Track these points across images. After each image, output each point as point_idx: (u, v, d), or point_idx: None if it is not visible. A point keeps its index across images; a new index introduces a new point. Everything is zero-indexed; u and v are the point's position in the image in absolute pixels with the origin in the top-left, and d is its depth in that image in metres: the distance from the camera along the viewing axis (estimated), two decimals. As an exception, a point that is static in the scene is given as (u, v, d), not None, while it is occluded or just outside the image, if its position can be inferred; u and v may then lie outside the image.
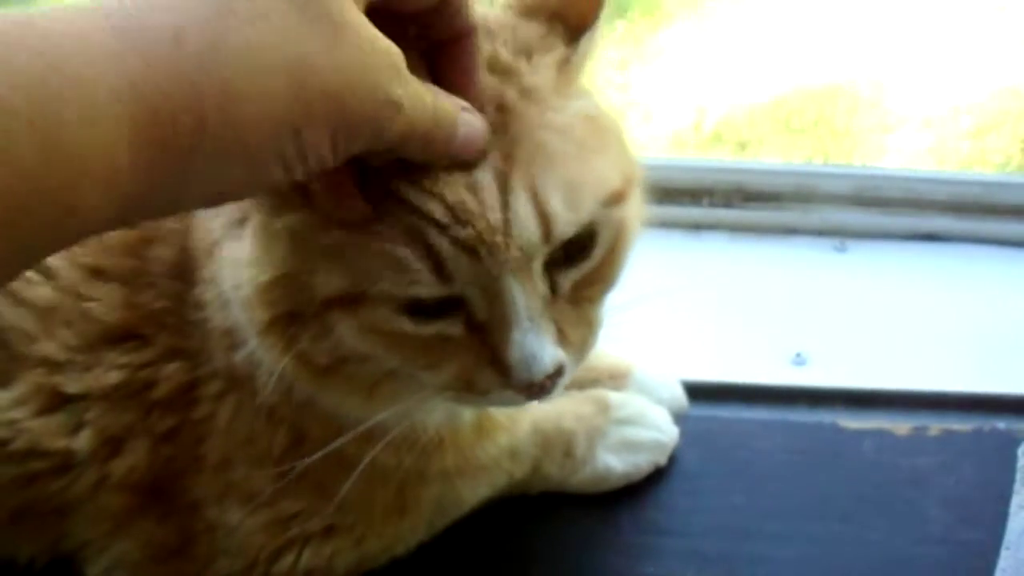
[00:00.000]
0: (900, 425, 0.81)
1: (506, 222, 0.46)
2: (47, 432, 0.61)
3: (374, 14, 0.42)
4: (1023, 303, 0.98)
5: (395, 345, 0.51)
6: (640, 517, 0.74)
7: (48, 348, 0.61)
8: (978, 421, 0.82)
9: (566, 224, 0.48)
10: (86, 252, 0.62)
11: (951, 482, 0.76)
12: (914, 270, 1.03)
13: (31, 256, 0.36)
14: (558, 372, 0.51)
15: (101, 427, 0.61)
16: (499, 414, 0.66)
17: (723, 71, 1.36)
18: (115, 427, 0.61)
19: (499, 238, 0.46)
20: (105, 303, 0.61)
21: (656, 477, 0.76)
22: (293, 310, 0.52)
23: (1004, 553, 0.71)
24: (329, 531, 0.65)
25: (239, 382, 0.61)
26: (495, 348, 0.50)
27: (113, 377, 0.61)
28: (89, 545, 0.64)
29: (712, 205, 1.05)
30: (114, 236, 0.61)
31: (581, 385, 0.76)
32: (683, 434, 0.77)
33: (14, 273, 0.37)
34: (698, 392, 0.82)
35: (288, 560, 0.64)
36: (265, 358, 0.56)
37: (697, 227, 1.04)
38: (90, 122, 0.34)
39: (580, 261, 0.52)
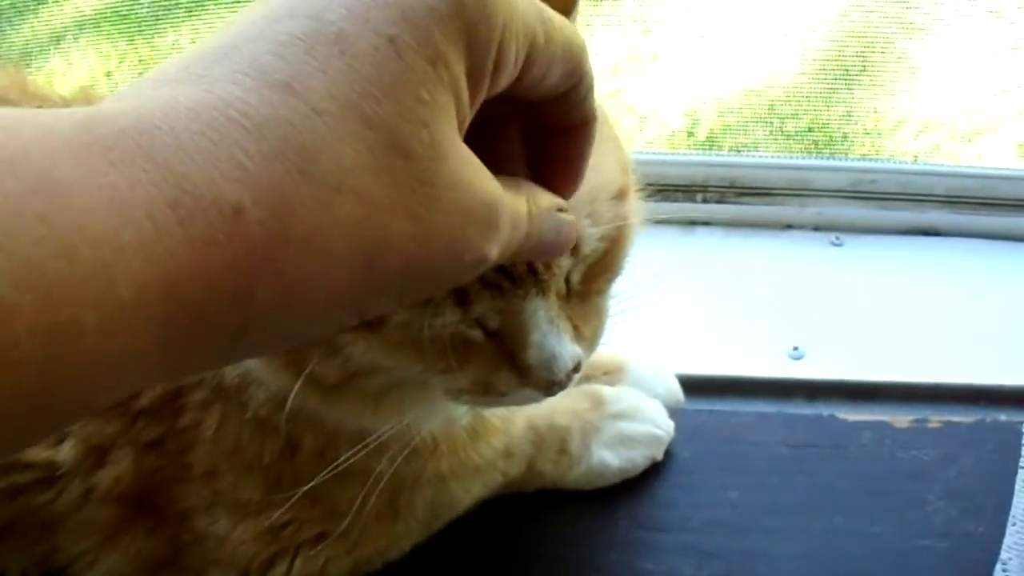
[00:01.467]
0: (900, 418, 0.79)
1: None
2: None
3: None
4: (1021, 296, 0.95)
5: (412, 356, 0.49)
6: (637, 513, 0.72)
7: None
8: (979, 413, 0.79)
9: (592, 240, 0.47)
10: None
11: (952, 474, 0.74)
12: (911, 264, 1.00)
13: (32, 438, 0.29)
14: (576, 367, 0.49)
15: (84, 437, 0.58)
16: (494, 416, 0.64)
17: (716, 75, 1.35)
18: (99, 437, 0.59)
19: (527, 272, 0.45)
20: None
21: (653, 472, 0.74)
22: None
23: (1010, 529, 0.69)
24: (321, 538, 0.62)
25: (226, 393, 0.58)
26: (514, 351, 0.48)
27: None
28: (79, 559, 0.62)
29: (706, 201, 1.02)
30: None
31: (575, 381, 0.74)
32: (679, 428, 0.75)
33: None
34: (695, 386, 0.79)
35: (280, 569, 0.62)
36: (269, 380, 0.54)
37: (691, 224, 1.02)
38: (111, 331, 0.26)
39: (589, 257, 0.50)
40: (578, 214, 0.46)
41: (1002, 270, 0.99)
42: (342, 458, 0.54)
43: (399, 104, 0.30)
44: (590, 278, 0.51)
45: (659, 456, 0.73)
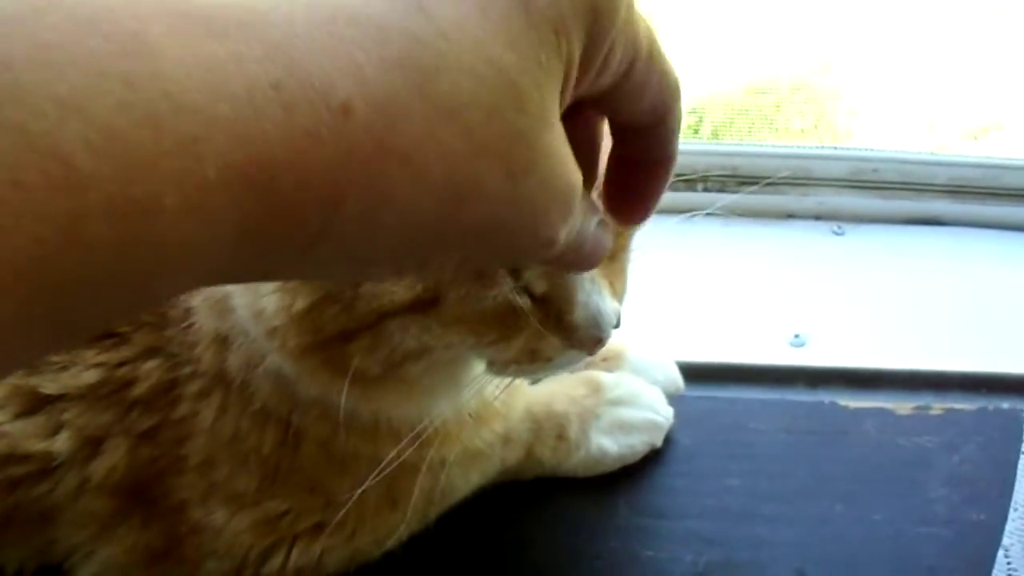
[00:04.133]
0: (901, 405, 0.75)
1: None
2: (26, 435, 0.56)
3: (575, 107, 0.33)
4: (1022, 285, 0.92)
5: (466, 331, 0.48)
6: (637, 500, 0.69)
7: None
8: (982, 400, 0.76)
9: None
10: None
11: (954, 461, 0.71)
12: (913, 253, 0.97)
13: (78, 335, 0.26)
14: (616, 324, 0.50)
15: (79, 427, 0.56)
16: (495, 401, 0.61)
17: (720, 70, 1.32)
18: (93, 427, 0.56)
19: None
20: None
21: (652, 459, 0.71)
22: (341, 330, 0.47)
23: (1012, 515, 0.66)
24: (319, 528, 0.60)
25: (228, 384, 0.56)
26: (561, 313, 0.48)
27: (90, 376, 0.56)
28: (76, 551, 0.59)
29: (707, 190, 0.98)
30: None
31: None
32: (680, 415, 0.72)
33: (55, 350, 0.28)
34: (696, 373, 0.76)
35: (277, 560, 0.59)
36: (306, 382, 0.52)
37: (692, 213, 0.98)
38: (189, 213, 0.23)
39: None
40: None
41: (1004, 259, 0.96)
42: (393, 452, 0.54)
43: (521, 57, 0.28)
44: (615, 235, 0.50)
45: (658, 443, 0.71)
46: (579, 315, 0.47)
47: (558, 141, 0.31)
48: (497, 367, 0.52)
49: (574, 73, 0.30)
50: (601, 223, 0.36)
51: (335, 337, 0.47)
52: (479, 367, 0.56)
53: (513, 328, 0.48)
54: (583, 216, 0.34)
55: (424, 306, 0.46)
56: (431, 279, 0.42)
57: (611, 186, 0.38)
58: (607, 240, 0.37)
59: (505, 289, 0.46)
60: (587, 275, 0.47)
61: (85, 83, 0.21)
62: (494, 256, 0.33)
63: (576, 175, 0.32)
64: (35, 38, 0.21)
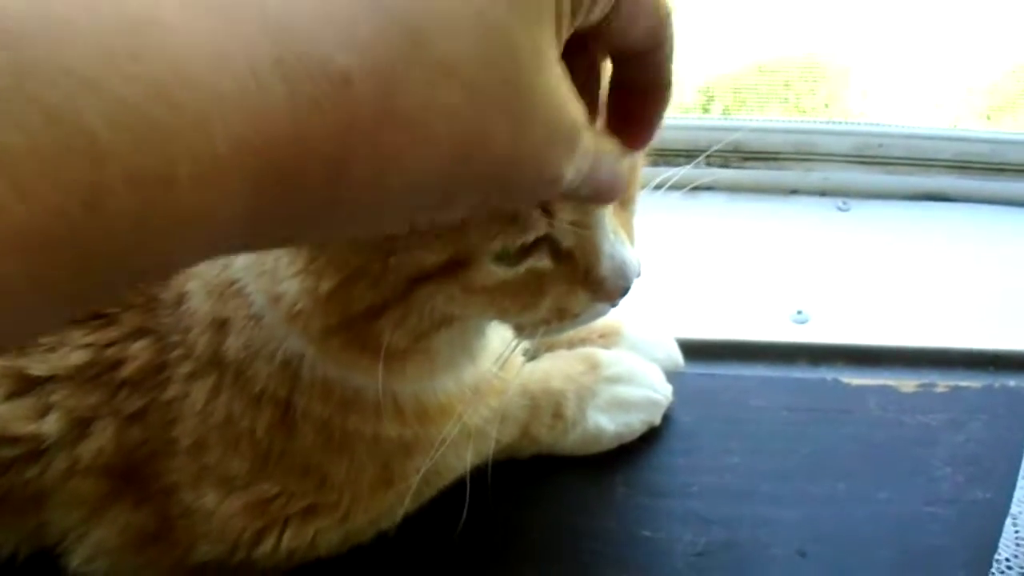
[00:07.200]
0: (905, 382, 0.72)
1: None
2: (16, 417, 0.54)
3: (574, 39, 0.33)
4: (1028, 262, 0.88)
5: (494, 297, 0.46)
6: (634, 479, 0.66)
7: None
8: (987, 378, 0.73)
9: None
10: None
11: (959, 440, 0.68)
12: (918, 229, 0.93)
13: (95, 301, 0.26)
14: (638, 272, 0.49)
15: (68, 409, 0.54)
16: (494, 377, 0.59)
17: (725, 45, 1.28)
18: (82, 408, 0.54)
19: None
20: None
21: (652, 437, 0.68)
22: (369, 306, 0.45)
23: (1020, 483, 0.63)
24: (311, 510, 0.57)
25: (223, 367, 0.53)
26: (587, 267, 0.47)
27: (78, 357, 0.54)
28: (68, 534, 0.57)
29: (710, 165, 0.95)
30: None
31: (570, 344, 0.68)
32: (679, 392, 0.69)
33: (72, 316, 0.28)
34: (698, 350, 0.74)
35: (269, 542, 0.57)
36: (327, 363, 0.50)
37: (695, 188, 0.95)
38: (203, 184, 0.24)
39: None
40: None
41: (1010, 235, 0.92)
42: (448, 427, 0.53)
43: (510, 6, 0.29)
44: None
45: (656, 421, 0.68)
46: (606, 266, 0.47)
47: (557, 82, 0.31)
48: (527, 330, 0.50)
49: (566, 11, 0.30)
50: (617, 155, 0.37)
51: (362, 315, 0.46)
52: (491, 339, 0.55)
53: (542, 287, 0.47)
54: (594, 148, 0.34)
55: (456, 268, 0.44)
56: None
57: (613, 113, 0.39)
58: (623, 175, 0.37)
59: (541, 231, 0.44)
60: (608, 226, 0.46)
61: (97, 57, 0.22)
62: (502, 199, 0.33)
63: (577, 113, 0.32)
64: (47, 12, 0.22)
